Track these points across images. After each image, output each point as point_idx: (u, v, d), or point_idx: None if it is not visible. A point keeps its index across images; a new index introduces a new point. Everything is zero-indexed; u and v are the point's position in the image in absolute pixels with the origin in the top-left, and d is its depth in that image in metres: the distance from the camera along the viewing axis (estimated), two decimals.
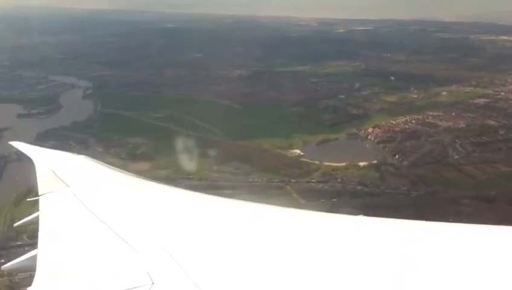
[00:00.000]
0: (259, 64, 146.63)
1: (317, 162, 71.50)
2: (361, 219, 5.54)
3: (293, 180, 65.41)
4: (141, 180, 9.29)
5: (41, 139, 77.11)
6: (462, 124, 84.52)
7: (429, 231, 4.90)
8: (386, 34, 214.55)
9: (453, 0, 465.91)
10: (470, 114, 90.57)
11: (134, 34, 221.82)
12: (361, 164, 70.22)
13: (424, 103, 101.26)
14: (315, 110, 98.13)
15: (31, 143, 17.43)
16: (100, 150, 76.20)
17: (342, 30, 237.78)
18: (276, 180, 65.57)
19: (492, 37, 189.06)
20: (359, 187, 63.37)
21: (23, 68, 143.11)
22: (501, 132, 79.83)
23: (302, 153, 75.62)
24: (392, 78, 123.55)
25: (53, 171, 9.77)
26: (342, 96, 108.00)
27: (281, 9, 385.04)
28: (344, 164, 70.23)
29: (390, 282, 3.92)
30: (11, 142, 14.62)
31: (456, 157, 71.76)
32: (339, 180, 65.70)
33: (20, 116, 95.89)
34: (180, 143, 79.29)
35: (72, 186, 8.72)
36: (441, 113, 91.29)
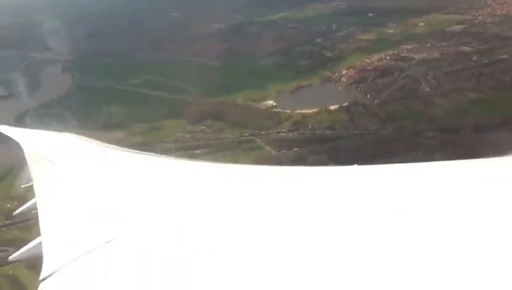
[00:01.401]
0: (239, 16, 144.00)
1: (289, 111, 71.53)
2: (356, 169, 5.58)
3: (262, 133, 65.79)
4: (129, 153, 9.32)
5: (19, 120, 78.12)
6: (436, 55, 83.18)
7: (427, 172, 5.01)
8: None
9: None
10: (444, 43, 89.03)
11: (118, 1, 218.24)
12: (332, 107, 70.08)
13: (400, 37, 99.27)
14: (291, 58, 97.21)
15: (10, 124, 17.62)
16: (75, 123, 76.70)
17: None
18: (247, 134, 66.02)
19: None
20: (328, 132, 63.66)
21: (3, 48, 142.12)
22: (474, 58, 78.66)
23: (275, 104, 75.56)
24: (370, 14, 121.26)
25: (41, 153, 9.84)
26: (318, 40, 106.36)
27: None
28: (315, 109, 70.19)
29: (399, 227, 3.98)
30: None
31: (427, 89, 71.29)
32: (309, 127, 66.01)
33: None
34: (153, 107, 79.97)
35: (62, 167, 8.81)
36: (416, 46, 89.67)
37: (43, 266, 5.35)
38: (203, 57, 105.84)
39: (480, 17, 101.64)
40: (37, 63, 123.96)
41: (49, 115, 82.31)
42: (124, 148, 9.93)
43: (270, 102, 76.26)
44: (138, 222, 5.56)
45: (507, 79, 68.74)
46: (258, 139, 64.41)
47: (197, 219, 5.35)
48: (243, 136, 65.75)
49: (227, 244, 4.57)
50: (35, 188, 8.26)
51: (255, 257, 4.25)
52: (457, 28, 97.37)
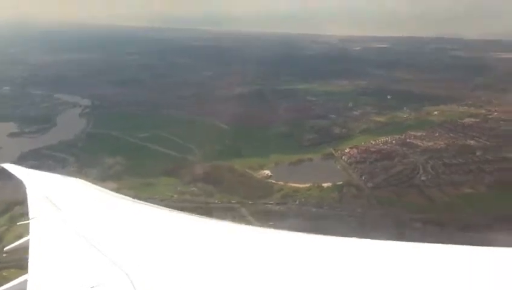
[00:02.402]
0: (263, 82, 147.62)
1: (282, 183, 71.20)
2: (353, 241, 5.81)
3: (250, 202, 65.34)
4: (133, 203, 9.70)
5: (23, 159, 79.59)
6: (441, 145, 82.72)
7: (420, 252, 5.16)
8: (401, 52, 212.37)
9: (486, 18, 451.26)
10: (453, 134, 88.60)
11: (157, 52, 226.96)
12: (325, 185, 69.51)
13: (411, 123, 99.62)
14: (300, 130, 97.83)
15: (12, 162, 18.09)
16: (74, 169, 77.80)
17: (358, 48, 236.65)
18: (234, 202, 65.64)
19: (510, 56, 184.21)
20: (314, 209, 62.91)
21: (34, 86, 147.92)
22: (478, 153, 77.83)
23: (270, 174, 75.30)
24: (388, 97, 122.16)
25: (44, 195, 10.08)
26: (332, 116, 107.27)
27: (309, 26, 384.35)
28: (308, 185, 69.75)
29: None
30: (3, 165, 15.20)
31: (423, 179, 70.29)
32: (297, 202, 65.43)
33: (11, 135, 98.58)
34: (153, 163, 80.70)
35: (63, 210, 8.95)
36: (424, 133, 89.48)
37: None
38: (216, 118, 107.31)
39: (495, 113, 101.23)
40: (59, 104, 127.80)
41: (51, 157, 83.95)
42: (129, 198, 10.07)
43: (266, 172, 76.11)
44: (127, 270, 5.56)
45: (506, 179, 67.01)
46: (243, 208, 63.85)
47: (185, 272, 5.47)
48: (230, 203, 65.34)
49: None
50: (31, 227, 8.32)
51: None
52: (470, 120, 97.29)
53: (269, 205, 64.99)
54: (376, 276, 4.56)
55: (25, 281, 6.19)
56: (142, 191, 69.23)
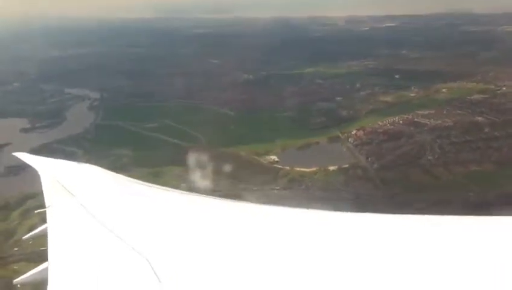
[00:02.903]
0: (270, 68, 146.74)
1: (288, 168, 71.17)
2: (366, 216, 6.22)
3: (255, 188, 65.44)
4: (146, 187, 9.83)
5: (34, 153, 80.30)
6: (449, 123, 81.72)
7: (433, 225, 5.31)
8: (410, 30, 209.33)
9: None
10: (461, 111, 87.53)
11: (160, 42, 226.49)
12: (331, 168, 69.36)
13: (419, 102, 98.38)
14: (307, 114, 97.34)
15: None
16: (83, 162, 78.20)
17: (366, 28, 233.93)
18: (240, 188, 65.71)
19: None
20: (319, 193, 62.82)
21: (42, 81, 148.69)
22: (486, 130, 76.83)
23: (277, 159, 75.36)
24: (396, 76, 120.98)
25: (58, 181, 10.23)
26: (338, 98, 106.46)
27: (315, 9, 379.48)
28: (314, 169, 69.65)
29: (397, 276, 4.30)
30: (15, 153, 15.75)
31: (429, 158, 69.73)
32: (303, 186, 65.43)
33: (22, 130, 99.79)
34: (160, 152, 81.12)
35: (77, 196, 9.05)
36: (432, 112, 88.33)
37: None
38: (223, 106, 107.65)
39: (504, 88, 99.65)
40: (70, 99, 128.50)
41: (62, 151, 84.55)
42: (144, 183, 10.17)
43: (273, 157, 76.11)
44: (147, 255, 5.65)
45: None
46: (248, 194, 63.88)
47: (198, 254, 5.61)
48: (236, 190, 65.32)
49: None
50: (48, 215, 8.48)
51: None
52: (479, 97, 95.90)
53: (275, 191, 65.00)
54: (388, 248, 4.75)
55: (46, 269, 6.29)
56: (149, 181, 69.55)
